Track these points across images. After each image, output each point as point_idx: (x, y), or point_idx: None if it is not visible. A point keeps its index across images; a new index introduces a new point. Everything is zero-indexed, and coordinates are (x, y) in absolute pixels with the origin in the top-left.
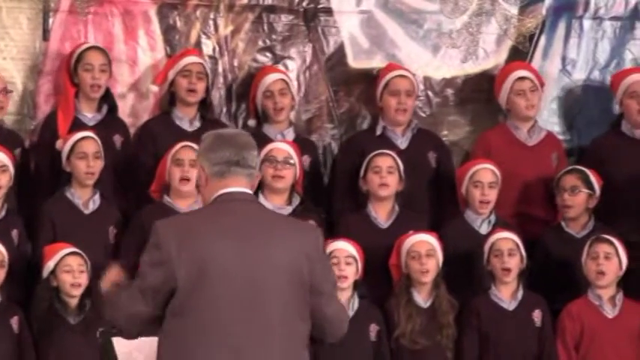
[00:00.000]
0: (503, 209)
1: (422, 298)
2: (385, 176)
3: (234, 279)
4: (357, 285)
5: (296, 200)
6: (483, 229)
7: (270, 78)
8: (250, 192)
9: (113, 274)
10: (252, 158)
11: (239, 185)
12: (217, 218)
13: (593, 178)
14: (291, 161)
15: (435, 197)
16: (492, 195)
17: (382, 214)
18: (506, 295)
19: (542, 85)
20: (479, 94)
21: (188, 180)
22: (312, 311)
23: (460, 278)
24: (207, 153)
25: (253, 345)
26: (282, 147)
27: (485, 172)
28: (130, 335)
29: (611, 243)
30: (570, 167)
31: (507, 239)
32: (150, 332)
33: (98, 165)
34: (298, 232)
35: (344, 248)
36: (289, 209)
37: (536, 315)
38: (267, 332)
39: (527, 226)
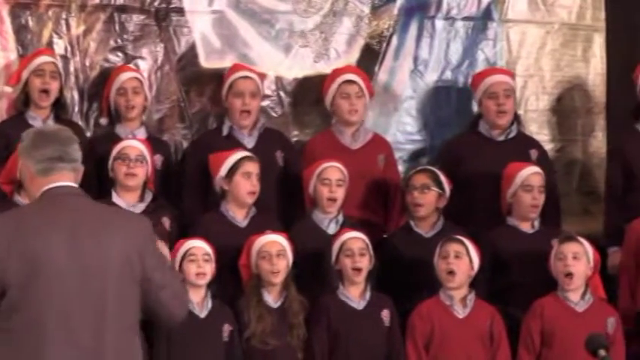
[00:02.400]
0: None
1: (272, 299)
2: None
3: (68, 273)
4: (209, 284)
5: (148, 197)
6: (331, 229)
7: (125, 76)
8: (76, 185)
9: None
10: (74, 152)
11: (65, 180)
12: (47, 213)
13: (443, 178)
14: (144, 159)
15: (283, 196)
16: (340, 193)
17: (240, 214)
18: (355, 294)
19: (371, 94)
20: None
21: None
22: (147, 298)
23: (308, 278)
24: (30, 151)
25: (89, 337)
26: (135, 145)
27: (333, 170)
28: None
29: (462, 242)
30: (421, 167)
31: (358, 239)
32: None
33: None
34: (128, 222)
35: (201, 246)
36: (142, 206)
37: (385, 314)
38: (101, 325)
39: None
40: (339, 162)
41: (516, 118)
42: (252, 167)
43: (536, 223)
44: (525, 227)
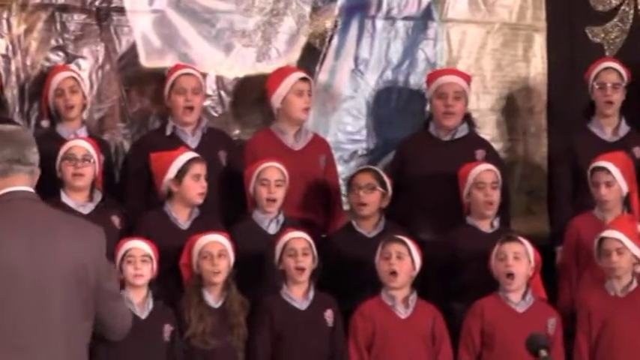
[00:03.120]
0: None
1: (213, 299)
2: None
3: (22, 278)
4: (151, 284)
5: (97, 197)
6: (272, 229)
7: (61, 76)
8: (33, 190)
9: None
10: (32, 155)
11: (21, 183)
12: (3, 218)
13: (386, 178)
14: (91, 159)
15: (226, 196)
16: (279, 193)
17: (183, 215)
18: (298, 294)
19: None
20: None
21: None
22: (101, 308)
23: (250, 278)
24: None
25: (39, 345)
26: (81, 144)
27: (272, 170)
28: None
29: (404, 243)
30: (364, 167)
31: (301, 239)
32: None
33: None
34: (83, 232)
35: (140, 247)
36: (91, 206)
37: (328, 315)
38: (52, 332)
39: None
40: (281, 162)
41: (467, 119)
42: (201, 169)
43: (496, 223)
44: (484, 227)
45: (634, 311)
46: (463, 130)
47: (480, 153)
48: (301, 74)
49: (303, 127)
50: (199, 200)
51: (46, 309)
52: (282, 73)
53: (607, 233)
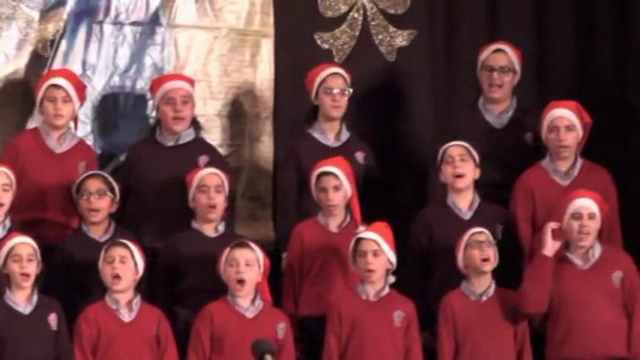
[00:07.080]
0: (23, 213)
1: None
2: None
3: None
4: None
5: None
6: None
7: None
8: None
9: None
10: None
11: None
12: None
13: (114, 183)
14: None
15: None
16: (5, 197)
17: None
18: (22, 299)
19: (81, 100)
20: (1, 98)
21: None
22: None
23: None
24: None
25: None
26: None
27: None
28: None
29: (127, 247)
30: (92, 172)
31: (26, 244)
32: None
33: None
34: None
35: None
36: None
37: (52, 319)
38: None
39: (45, 232)
40: (41, 163)
41: (195, 124)
42: None
43: (221, 227)
44: (209, 231)
45: (383, 315)
46: (189, 135)
47: (203, 159)
48: (53, 81)
49: (68, 131)
50: None
51: None
52: (45, 76)
53: (364, 234)
